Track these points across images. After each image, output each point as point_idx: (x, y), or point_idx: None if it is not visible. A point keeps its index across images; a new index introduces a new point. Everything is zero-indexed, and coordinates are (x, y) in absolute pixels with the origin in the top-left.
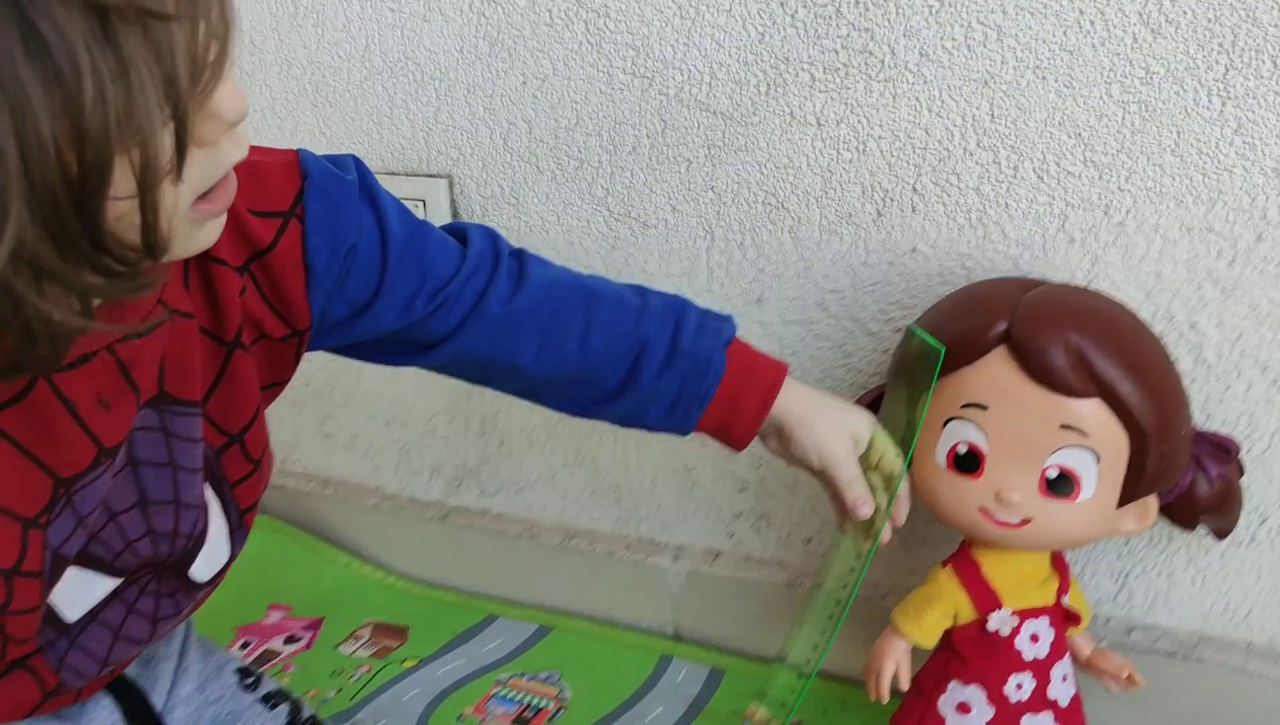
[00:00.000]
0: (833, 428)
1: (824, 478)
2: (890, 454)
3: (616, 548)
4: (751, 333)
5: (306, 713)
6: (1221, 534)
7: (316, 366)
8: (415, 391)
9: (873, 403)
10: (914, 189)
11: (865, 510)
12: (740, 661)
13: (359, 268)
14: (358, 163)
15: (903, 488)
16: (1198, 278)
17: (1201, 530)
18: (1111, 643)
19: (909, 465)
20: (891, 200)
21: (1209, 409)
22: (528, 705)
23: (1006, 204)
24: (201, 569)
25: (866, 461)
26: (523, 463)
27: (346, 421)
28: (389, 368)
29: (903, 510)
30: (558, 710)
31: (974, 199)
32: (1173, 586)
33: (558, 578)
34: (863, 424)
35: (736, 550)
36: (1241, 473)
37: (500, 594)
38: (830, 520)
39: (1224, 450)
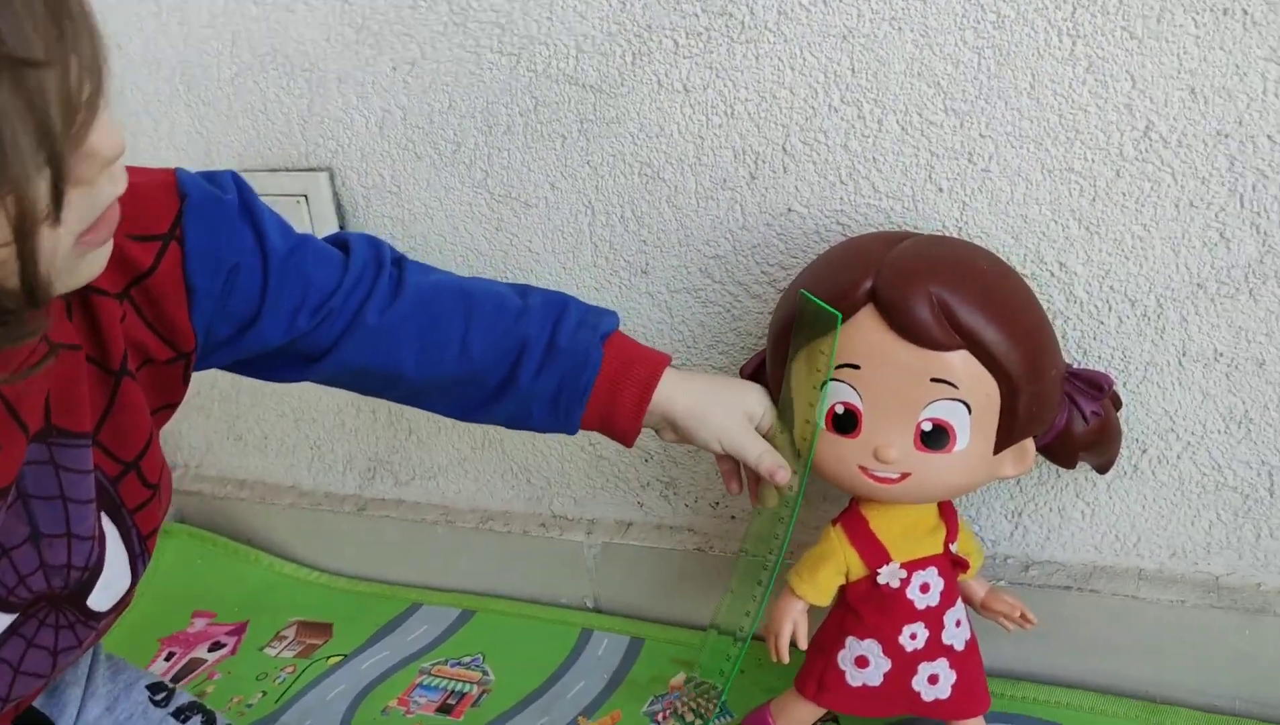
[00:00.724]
0: (726, 413)
1: (731, 459)
2: (796, 419)
3: (531, 527)
4: (640, 304)
5: (221, 723)
6: (1103, 469)
7: (222, 372)
8: (321, 387)
9: (757, 368)
10: (784, 149)
11: (783, 476)
12: (658, 628)
13: (241, 285)
14: (236, 179)
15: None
16: (1062, 218)
17: (1086, 466)
18: (1011, 580)
19: (819, 429)
20: (763, 162)
21: (1084, 346)
22: (451, 692)
23: (874, 158)
24: (100, 599)
25: (775, 429)
26: (433, 449)
27: (256, 422)
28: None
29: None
30: (481, 694)
31: (842, 155)
32: (1064, 522)
33: (477, 561)
34: (755, 400)
35: (647, 519)
36: (1118, 406)
37: (422, 582)
38: None
39: (1096, 387)
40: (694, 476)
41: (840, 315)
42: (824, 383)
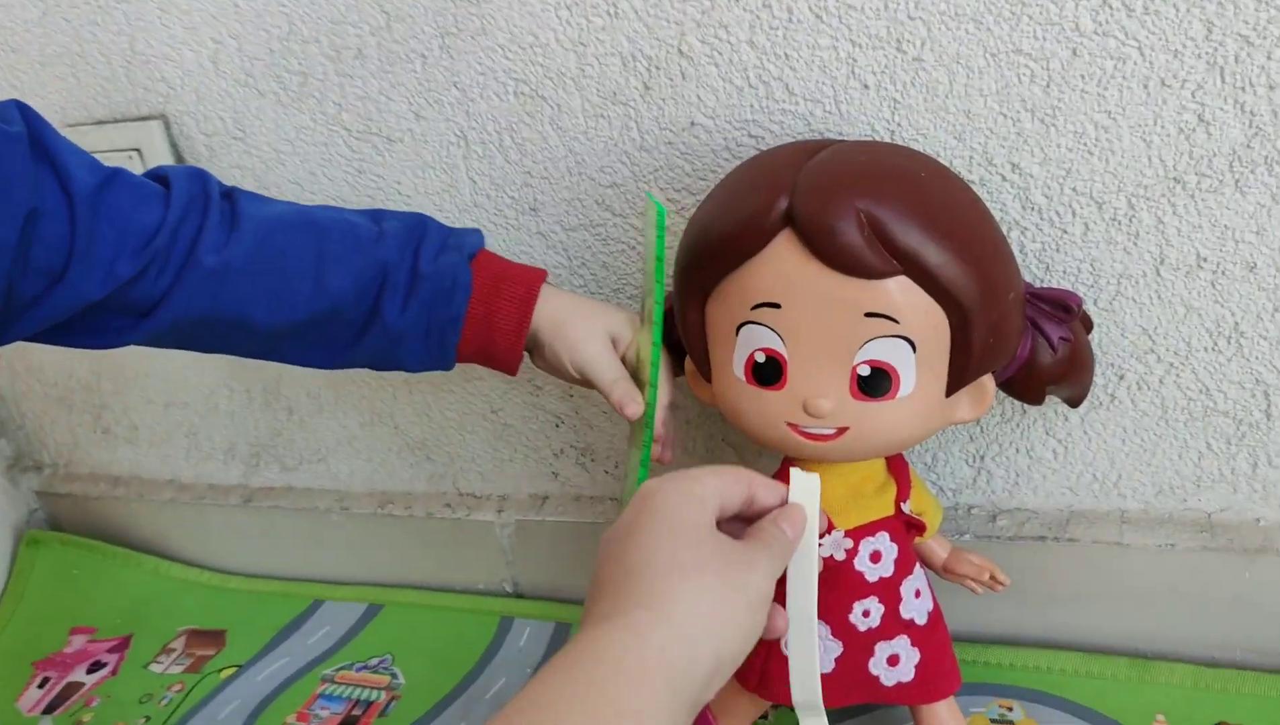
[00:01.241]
0: (587, 329)
1: (589, 386)
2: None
3: (435, 508)
4: (533, 246)
5: None
6: (1075, 402)
7: (77, 357)
8: (186, 366)
9: (667, 312)
10: (680, 51)
11: (632, 410)
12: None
13: (43, 232)
14: (23, 109)
15: (663, 378)
16: (1012, 110)
17: (1056, 400)
18: (977, 534)
19: (658, 351)
20: (658, 69)
21: (1046, 260)
22: (357, 701)
23: (786, 54)
24: None
25: (638, 359)
26: (317, 429)
27: (122, 412)
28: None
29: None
30: (390, 701)
31: (749, 53)
32: (1034, 463)
33: (380, 550)
34: (622, 323)
35: (564, 491)
36: (1089, 329)
37: (322, 576)
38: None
39: (1064, 308)
40: (612, 439)
41: (662, 208)
42: (654, 291)
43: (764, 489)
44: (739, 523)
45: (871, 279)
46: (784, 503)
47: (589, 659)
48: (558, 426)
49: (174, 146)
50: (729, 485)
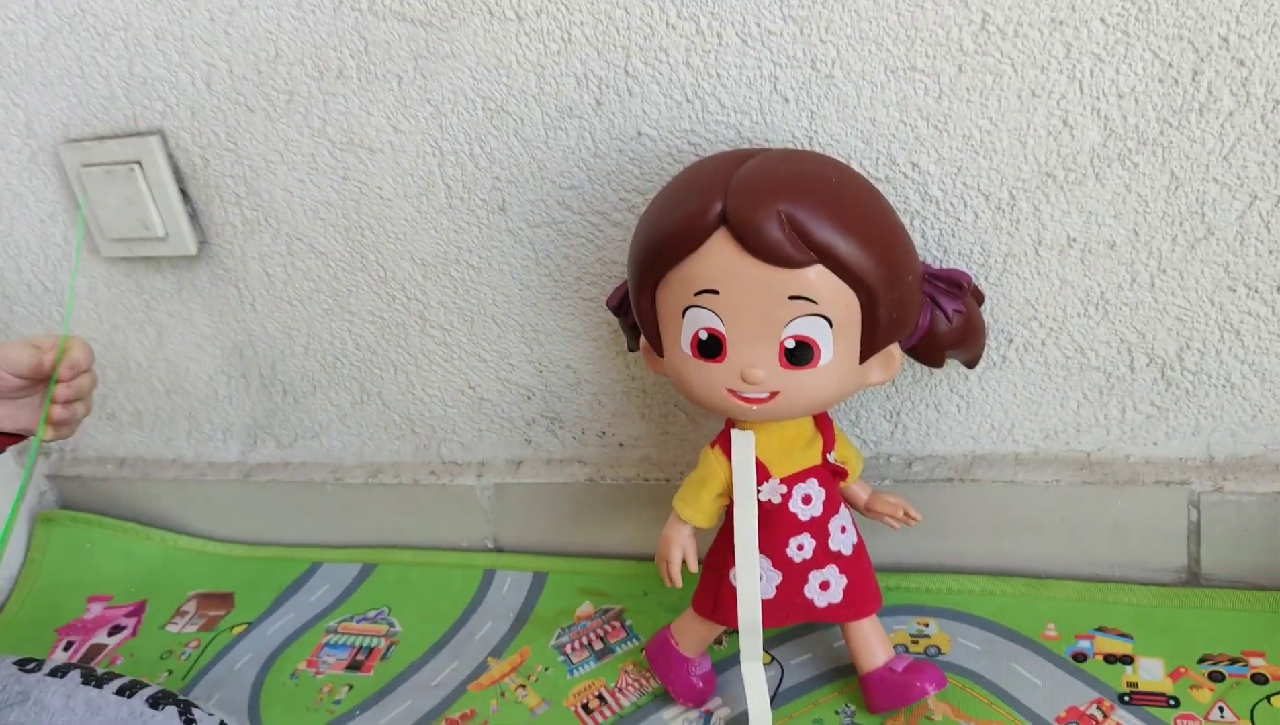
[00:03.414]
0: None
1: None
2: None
3: (421, 475)
4: (502, 242)
5: (101, 671)
6: (971, 363)
7: None
8: (185, 356)
9: (622, 299)
10: (626, 71)
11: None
12: (561, 561)
13: None
14: None
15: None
16: (910, 118)
17: (956, 362)
18: (895, 479)
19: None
20: (607, 86)
21: (944, 244)
22: (359, 648)
23: (717, 73)
24: None
25: None
26: (311, 409)
27: (126, 398)
28: (151, 337)
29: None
30: (390, 647)
31: (685, 73)
32: (941, 416)
33: (372, 515)
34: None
35: (536, 456)
36: (981, 301)
37: (320, 541)
38: (621, 413)
39: (956, 286)
40: (577, 408)
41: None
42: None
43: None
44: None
45: (793, 268)
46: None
47: None
48: (529, 398)
49: (171, 158)
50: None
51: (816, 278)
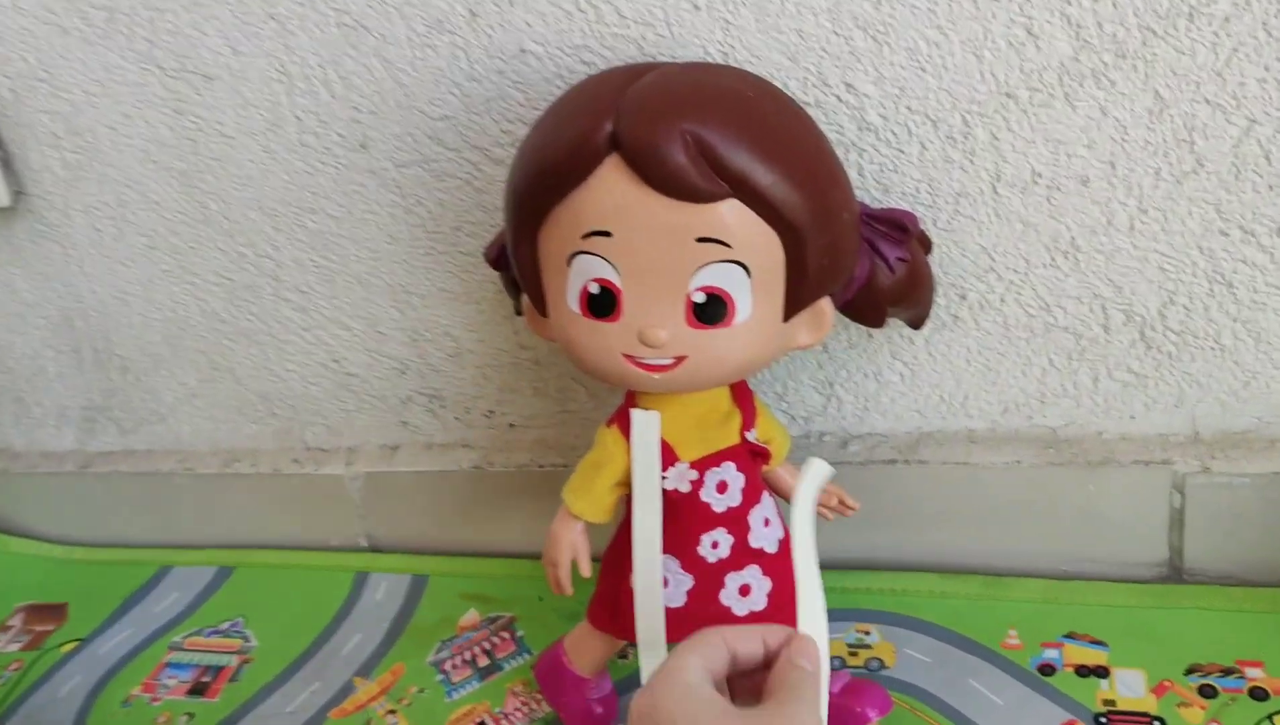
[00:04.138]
0: None
1: None
2: None
3: (283, 463)
4: (365, 186)
5: None
6: (917, 323)
7: None
8: (5, 327)
9: (501, 251)
10: None
11: None
12: (443, 562)
13: None
14: None
15: None
16: (845, 29)
17: (899, 322)
18: (829, 460)
19: None
20: None
21: (885, 181)
22: (206, 668)
23: None
24: None
25: None
26: (155, 387)
27: None
28: None
29: None
30: (241, 666)
31: None
32: (882, 387)
33: (228, 511)
34: None
35: (414, 439)
36: (928, 249)
37: (170, 540)
38: (511, 388)
39: (900, 228)
40: (460, 384)
41: None
42: None
43: (743, 641)
44: (748, 678)
45: (701, 203)
46: (784, 643)
47: None
48: (403, 373)
49: None
50: (710, 656)
51: (730, 215)
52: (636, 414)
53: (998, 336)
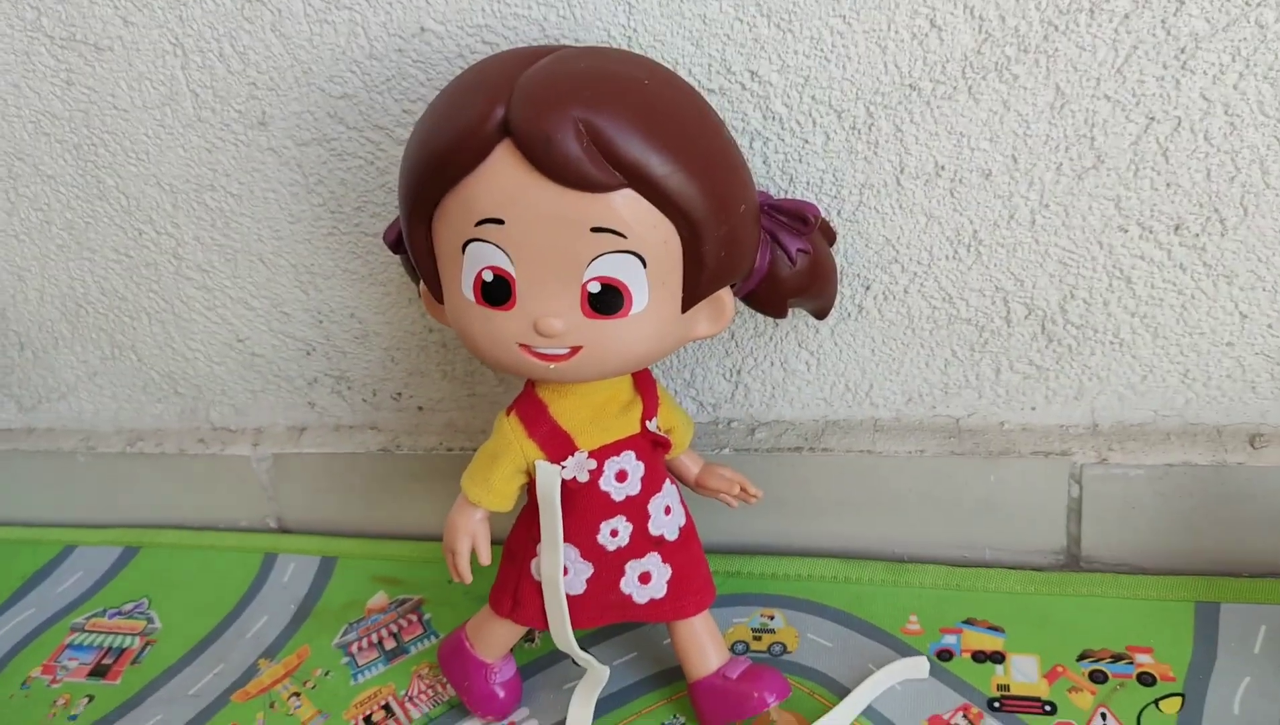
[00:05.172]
0: None
1: None
2: None
3: (188, 444)
4: (265, 164)
5: None
6: (821, 313)
7: None
8: None
9: (399, 236)
10: None
11: None
12: (353, 543)
13: None
14: None
15: None
16: (748, 14)
17: (805, 313)
18: (736, 447)
19: None
20: None
21: (790, 171)
22: (108, 649)
23: None
24: None
25: None
26: (54, 365)
27: None
28: None
29: None
30: (144, 648)
31: None
32: (789, 376)
33: (135, 490)
34: None
35: (322, 421)
36: (832, 240)
37: (73, 520)
38: (419, 371)
39: (801, 220)
40: (367, 366)
41: None
42: None
43: None
44: None
45: (595, 192)
46: None
47: None
48: (309, 354)
49: None
50: None
51: (624, 205)
52: (542, 466)
53: (901, 327)
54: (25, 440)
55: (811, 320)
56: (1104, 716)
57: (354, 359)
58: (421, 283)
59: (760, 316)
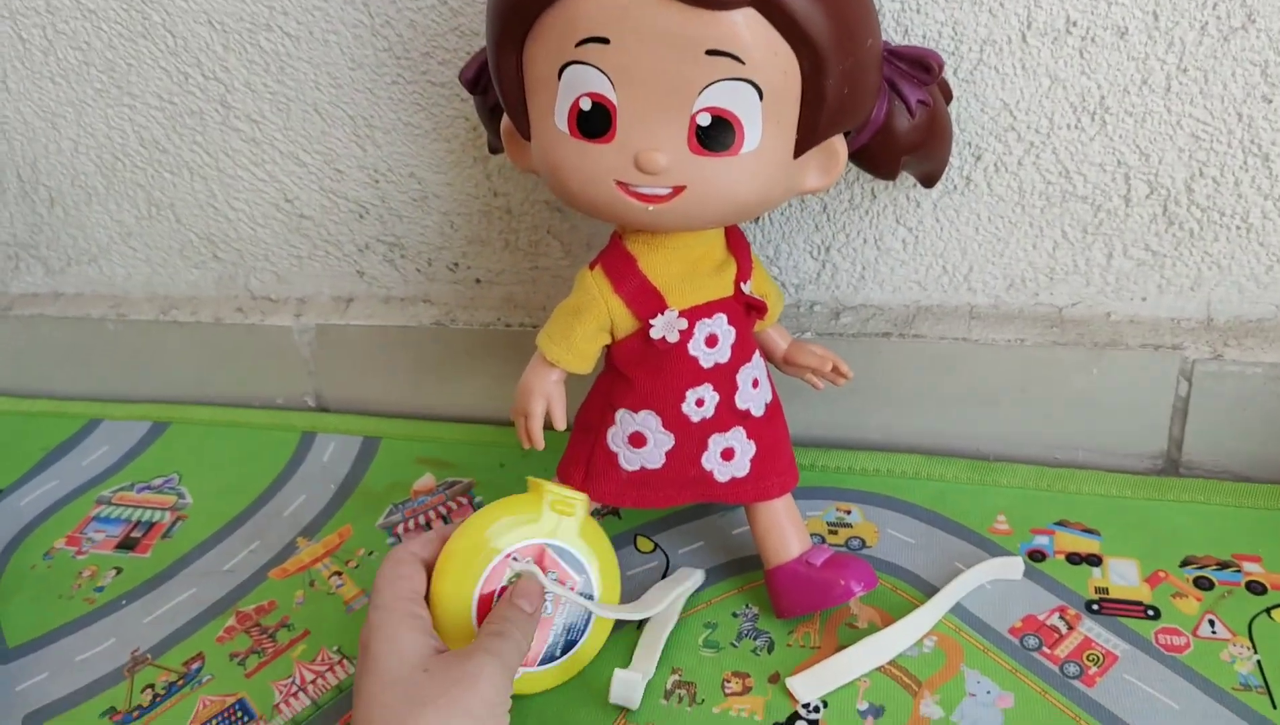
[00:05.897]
0: None
1: None
2: None
3: (225, 312)
4: (329, 3)
5: None
6: (930, 180)
7: None
8: None
9: (478, 72)
10: None
11: None
12: (397, 424)
13: None
14: None
15: None
16: None
17: (908, 180)
18: (818, 332)
19: None
20: None
21: (905, 21)
22: (137, 523)
23: None
24: None
25: None
26: (86, 223)
27: None
28: None
29: None
30: (175, 522)
31: None
32: (882, 255)
33: (165, 362)
34: None
35: (371, 292)
36: (949, 98)
37: (100, 393)
38: (479, 239)
39: (924, 68)
40: (424, 231)
41: None
42: None
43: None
44: None
45: (715, 10)
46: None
47: None
48: (361, 217)
49: None
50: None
51: (746, 26)
52: (619, 674)
53: (1011, 204)
54: (52, 305)
55: (913, 193)
56: (1212, 623)
57: (410, 224)
58: (505, 121)
59: (856, 188)
